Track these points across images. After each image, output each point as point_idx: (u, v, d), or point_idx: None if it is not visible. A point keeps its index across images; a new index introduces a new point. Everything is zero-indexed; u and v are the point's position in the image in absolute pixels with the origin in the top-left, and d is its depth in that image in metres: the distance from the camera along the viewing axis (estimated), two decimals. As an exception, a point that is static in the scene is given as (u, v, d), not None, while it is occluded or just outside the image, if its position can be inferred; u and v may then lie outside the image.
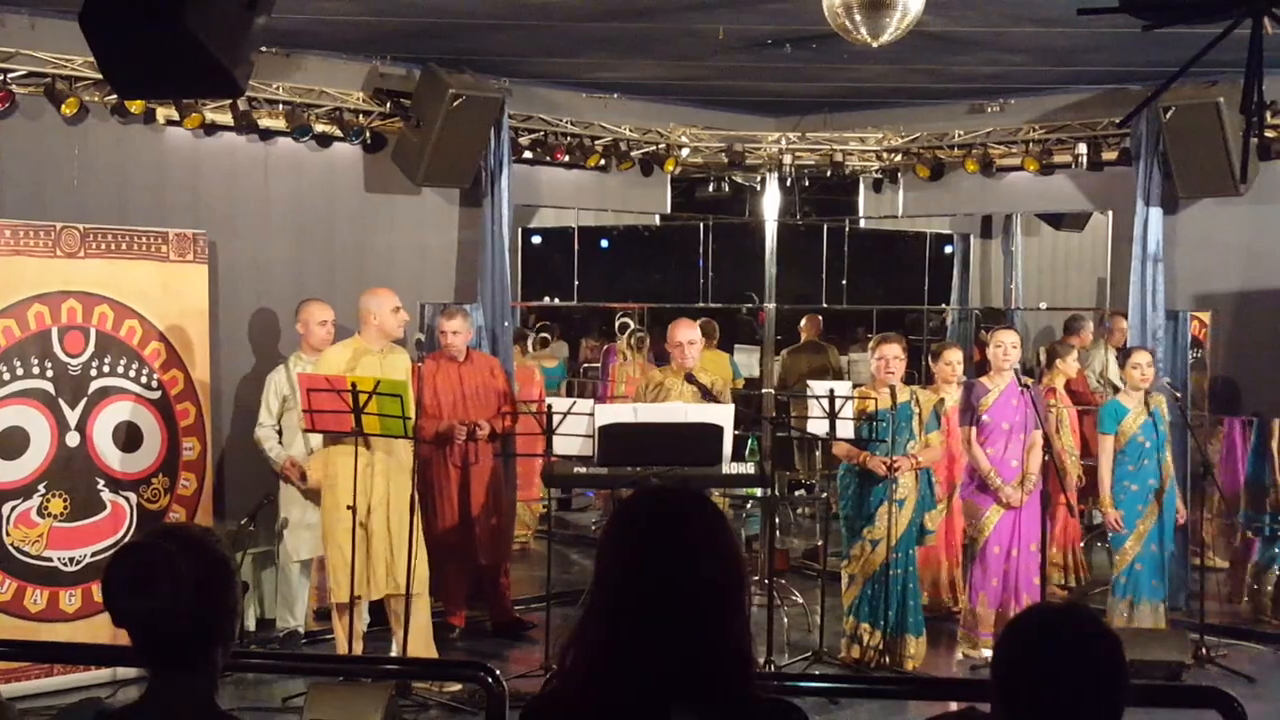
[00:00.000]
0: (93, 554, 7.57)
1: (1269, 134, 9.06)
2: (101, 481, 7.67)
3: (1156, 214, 9.49)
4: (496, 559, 8.92)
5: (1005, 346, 8.37)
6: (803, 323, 12.77)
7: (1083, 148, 10.08)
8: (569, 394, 12.41)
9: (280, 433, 8.27)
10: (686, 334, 8.44)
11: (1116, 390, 9.36)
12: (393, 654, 7.66)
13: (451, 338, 8.56)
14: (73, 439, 7.57)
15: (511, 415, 8.63)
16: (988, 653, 8.16)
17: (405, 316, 7.84)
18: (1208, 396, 9.80)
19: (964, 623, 8.53)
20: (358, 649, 7.54)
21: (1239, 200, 9.24)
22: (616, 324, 13.03)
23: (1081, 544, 10.32)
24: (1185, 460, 9.13)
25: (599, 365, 13.62)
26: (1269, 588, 9.15)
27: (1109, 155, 10.04)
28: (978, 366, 11.13)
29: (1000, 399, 8.35)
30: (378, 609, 7.88)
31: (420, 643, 7.58)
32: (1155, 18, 4.59)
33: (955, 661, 8.36)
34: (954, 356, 8.92)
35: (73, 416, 7.57)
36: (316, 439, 7.99)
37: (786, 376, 12.09)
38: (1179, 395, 8.83)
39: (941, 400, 8.48)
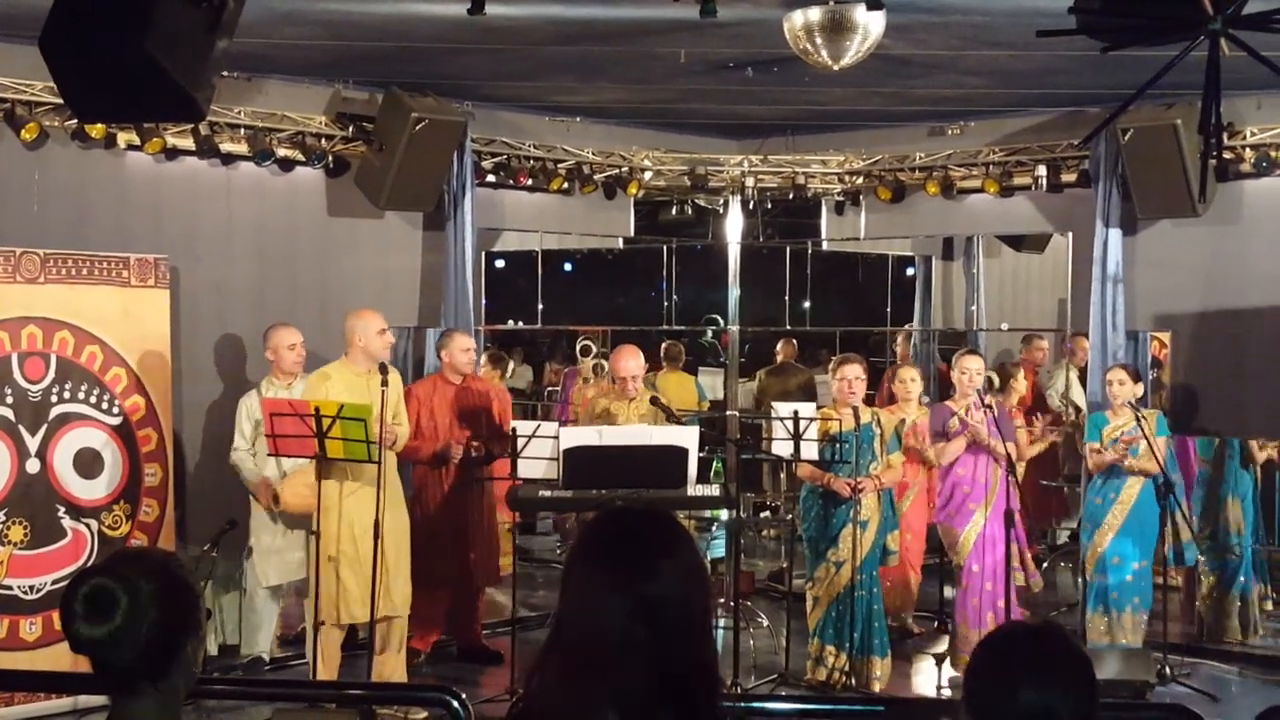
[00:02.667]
0: (53, 582, 7.49)
1: (1226, 155, 9.14)
2: (62, 509, 7.60)
3: (1116, 235, 9.56)
4: (488, 582, 8.91)
5: (970, 372, 8.44)
6: (779, 345, 12.81)
7: (1042, 170, 10.15)
8: (533, 417, 12.39)
9: (254, 457, 8.22)
10: (630, 367, 8.36)
11: (1079, 410, 9.43)
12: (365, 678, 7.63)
13: (473, 355, 8.71)
14: (33, 466, 7.50)
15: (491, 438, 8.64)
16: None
17: (390, 339, 7.82)
18: (1167, 416, 9.85)
19: (954, 641, 8.65)
20: (334, 672, 7.50)
21: (1197, 221, 9.32)
22: (578, 347, 13.02)
23: (1044, 565, 10.38)
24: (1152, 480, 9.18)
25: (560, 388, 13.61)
26: (1234, 606, 9.25)
27: (1068, 177, 10.11)
28: (941, 389, 11.20)
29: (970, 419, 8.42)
30: (350, 631, 7.86)
31: (396, 665, 7.57)
32: (1113, 40, 4.64)
33: (918, 673, 8.39)
34: (908, 375, 8.96)
35: (33, 443, 7.50)
36: (289, 462, 7.96)
37: (763, 397, 12.12)
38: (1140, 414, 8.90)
39: (903, 421, 8.53)
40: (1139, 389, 8.64)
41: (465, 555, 8.60)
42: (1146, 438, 8.34)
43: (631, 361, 8.38)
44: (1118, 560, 8.47)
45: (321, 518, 7.38)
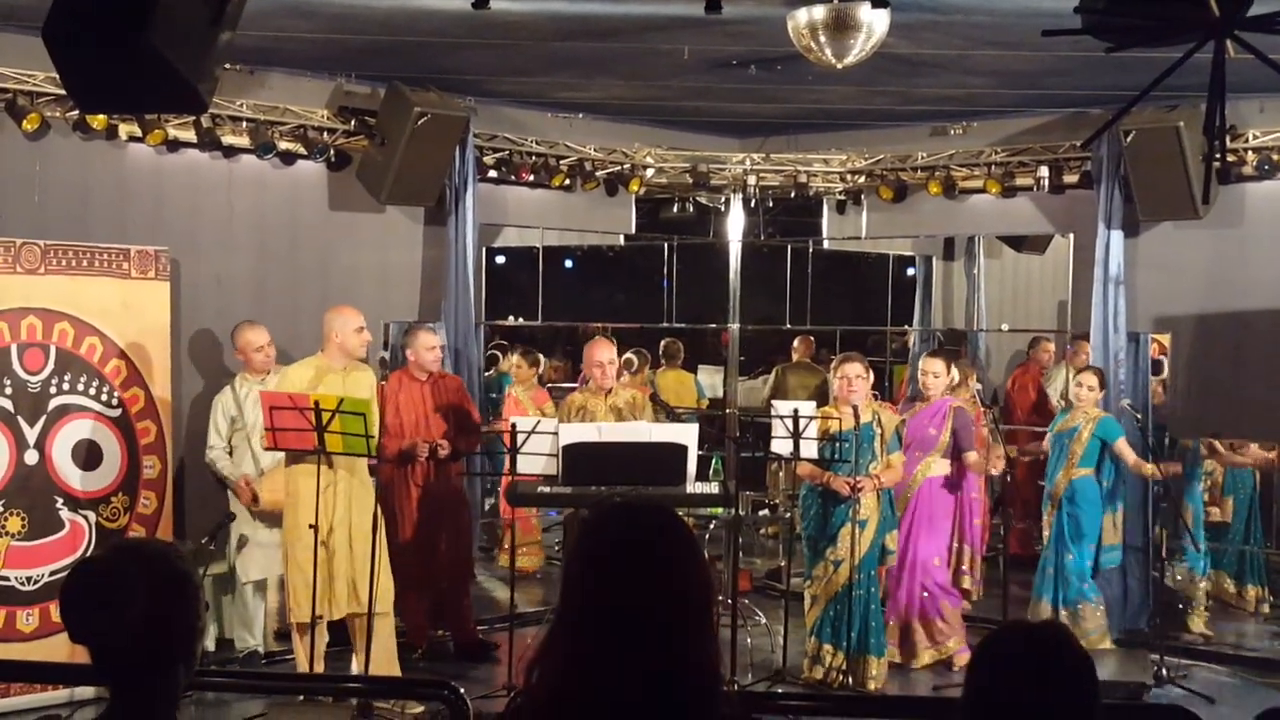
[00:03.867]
0: (50, 573, 7.48)
1: (1229, 158, 9.13)
2: (60, 500, 7.59)
3: (1118, 237, 9.55)
4: (458, 579, 8.88)
5: (928, 374, 8.72)
6: (795, 343, 12.79)
7: (1044, 170, 10.15)
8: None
9: (230, 453, 8.21)
10: (604, 354, 8.39)
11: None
12: (353, 673, 7.60)
13: (439, 352, 8.63)
14: (31, 457, 7.49)
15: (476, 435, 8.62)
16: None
17: (368, 337, 7.79)
18: (1166, 418, 9.86)
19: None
20: (319, 668, 7.48)
21: (1199, 223, 9.31)
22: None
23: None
24: (1146, 481, 9.19)
25: (573, 386, 13.57)
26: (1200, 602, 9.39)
27: (1070, 178, 10.11)
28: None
29: (916, 419, 8.68)
30: (339, 628, 7.81)
31: (384, 662, 7.53)
32: (1118, 40, 4.63)
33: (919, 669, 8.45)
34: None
35: (31, 434, 7.49)
36: (267, 459, 7.94)
37: (777, 391, 12.09)
38: (1139, 416, 8.94)
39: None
40: (1101, 395, 8.85)
41: (432, 552, 8.56)
42: (1113, 447, 8.66)
43: (603, 351, 8.41)
44: (1047, 555, 8.82)
45: (290, 514, 7.39)
